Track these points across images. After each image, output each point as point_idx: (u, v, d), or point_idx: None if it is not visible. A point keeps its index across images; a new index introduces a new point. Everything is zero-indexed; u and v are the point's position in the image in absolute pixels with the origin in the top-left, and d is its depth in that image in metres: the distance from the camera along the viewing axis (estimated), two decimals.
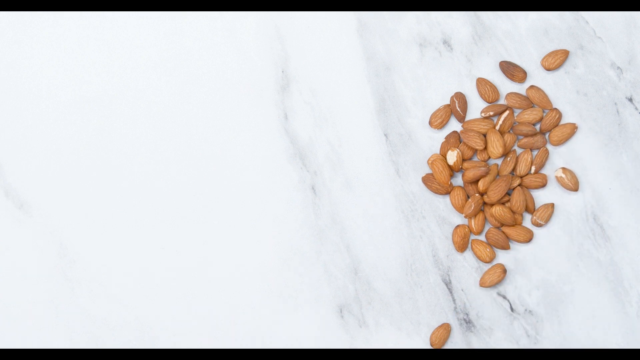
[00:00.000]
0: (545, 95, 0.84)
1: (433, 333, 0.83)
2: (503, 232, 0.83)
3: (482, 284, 0.84)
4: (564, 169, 0.84)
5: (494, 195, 0.82)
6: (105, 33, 0.85)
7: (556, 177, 0.84)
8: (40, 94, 0.85)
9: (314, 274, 0.84)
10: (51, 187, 0.84)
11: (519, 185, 0.83)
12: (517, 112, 0.84)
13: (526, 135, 0.83)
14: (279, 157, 0.85)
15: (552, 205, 0.83)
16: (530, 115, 0.84)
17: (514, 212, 0.83)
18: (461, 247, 0.84)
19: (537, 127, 0.84)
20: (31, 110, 0.85)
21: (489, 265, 0.84)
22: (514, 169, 0.84)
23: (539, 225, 0.83)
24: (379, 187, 0.84)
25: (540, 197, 0.84)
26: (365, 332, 0.84)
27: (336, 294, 0.84)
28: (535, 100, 0.84)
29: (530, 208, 0.83)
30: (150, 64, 0.85)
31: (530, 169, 0.84)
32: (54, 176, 0.84)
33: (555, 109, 0.84)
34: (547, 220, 0.83)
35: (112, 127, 0.85)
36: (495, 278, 0.83)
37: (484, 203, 0.83)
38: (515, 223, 0.83)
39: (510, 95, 0.84)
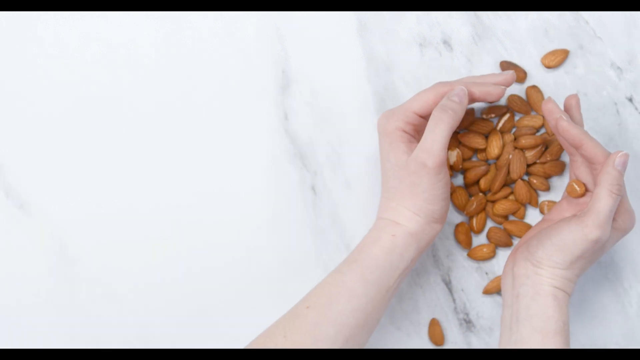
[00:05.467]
0: (542, 98, 0.84)
1: (430, 333, 0.84)
2: (505, 230, 0.83)
3: (487, 292, 0.84)
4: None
5: (494, 187, 0.82)
6: (106, 33, 0.85)
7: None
8: (40, 94, 0.85)
9: (314, 273, 0.84)
10: (51, 187, 0.84)
11: (521, 178, 0.83)
12: (517, 115, 0.84)
13: (526, 147, 0.83)
14: (279, 157, 0.85)
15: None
16: (530, 121, 0.83)
17: (518, 202, 0.83)
18: (467, 244, 0.83)
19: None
20: (31, 110, 0.85)
21: (489, 265, 0.84)
22: (510, 168, 0.83)
23: (543, 213, 0.83)
24: (379, 187, 0.84)
25: (542, 195, 0.84)
26: None
27: None
28: (532, 100, 0.84)
29: (533, 201, 0.83)
30: (150, 64, 0.85)
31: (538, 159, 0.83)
32: (54, 176, 0.84)
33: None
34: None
35: (112, 127, 0.85)
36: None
37: (487, 201, 0.83)
38: (518, 210, 0.83)
39: (511, 97, 0.84)
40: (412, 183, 0.74)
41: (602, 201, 0.72)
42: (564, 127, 0.75)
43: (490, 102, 0.81)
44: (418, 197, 0.75)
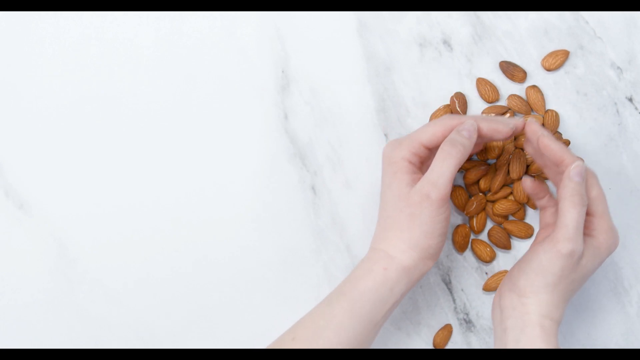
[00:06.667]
0: (541, 98, 0.84)
1: (437, 335, 0.83)
2: (505, 230, 0.83)
3: (487, 288, 0.84)
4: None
5: (494, 187, 0.82)
6: (106, 33, 0.85)
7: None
8: (40, 94, 0.85)
9: (314, 274, 0.84)
10: (51, 187, 0.84)
11: (519, 179, 0.83)
12: (517, 115, 0.84)
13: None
14: (279, 157, 0.85)
15: None
16: None
17: (518, 202, 0.83)
18: (462, 247, 0.84)
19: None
20: (31, 110, 0.85)
21: (490, 266, 0.84)
22: (510, 168, 0.83)
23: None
24: (379, 187, 0.84)
25: None
26: None
27: None
28: (531, 100, 0.84)
29: (532, 203, 0.83)
30: (150, 64, 0.85)
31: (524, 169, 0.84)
32: (54, 176, 0.84)
33: (549, 110, 0.84)
34: None
35: (112, 127, 0.85)
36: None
37: (487, 201, 0.83)
38: (518, 211, 0.83)
39: (511, 97, 0.84)
40: (412, 215, 0.73)
41: (567, 214, 0.72)
42: (545, 144, 0.74)
43: (497, 140, 0.79)
44: (416, 229, 0.74)
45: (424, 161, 0.77)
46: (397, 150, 0.76)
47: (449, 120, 0.76)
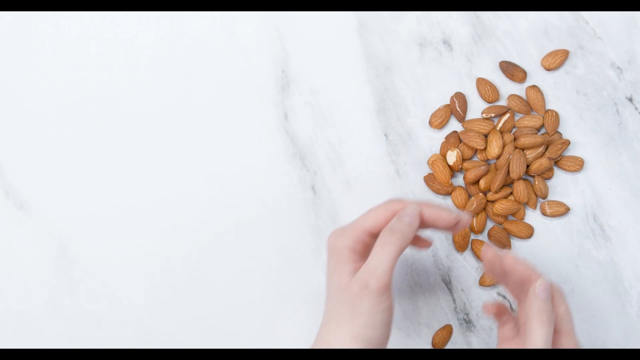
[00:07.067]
0: (541, 98, 0.84)
1: (436, 334, 0.83)
2: (505, 230, 0.83)
3: (482, 284, 0.84)
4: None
5: (494, 187, 0.82)
6: (106, 33, 0.85)
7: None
8: (40, 94, 0.85)
9: (314, 274, 0.84)
10: (51, 187, 0.84)
11: (519, 179, 0.83)
12: (517, 115, 0.84)
13: (526, 147, 0.83)
14: (279, 157, 0.85)
15: (566, 206, 0.83)
16: (530, 121, 0.83)
17: (517, 202, 0.83)
18: (462, 246, 0.84)
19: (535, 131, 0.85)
20: (31, 110, 0.85)
21: None
22: (510, 168, 0.83)
23: (544, 213, 0.83)
24: (379, 187, 0.84)
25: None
26: None
27: None
28: (531, 100, 0.84)
29: (532, 202, 0.83)
30: (150, 64, 0.85)
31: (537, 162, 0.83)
32: (54, 176, 0.84)
33: (549, 110, 0.84)
34: (553, 214, 0.83)
35: (112, 127, 0.85)
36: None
37: (487, 201, 0.84)
38: (518, 211, 0.83)
39: (511, 97, 0.84)
40: (352, 305, 0.70)
41: (536, 333, 0.70)
42: (511, 263, 0.72)
43: (440, 229, 0.75)
44: (356, 320, 0.70)
45: (368, 248, 0.74)
46: (340, 239, 0.73)
47: (392, 205, 0.73)
